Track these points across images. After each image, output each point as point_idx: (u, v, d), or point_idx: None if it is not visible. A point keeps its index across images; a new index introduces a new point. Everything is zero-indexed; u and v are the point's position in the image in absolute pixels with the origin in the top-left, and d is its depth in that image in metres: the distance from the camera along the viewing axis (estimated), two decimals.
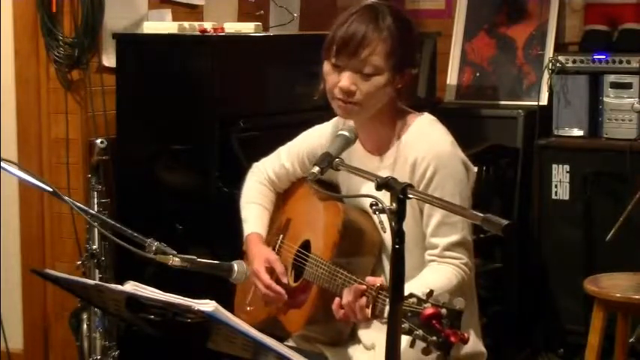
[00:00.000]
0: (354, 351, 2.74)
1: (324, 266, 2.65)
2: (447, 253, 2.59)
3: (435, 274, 2.56)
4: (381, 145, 2.71)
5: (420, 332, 2.05)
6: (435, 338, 2.03)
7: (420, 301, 2.08)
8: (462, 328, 2.05)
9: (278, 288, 2.75)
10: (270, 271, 2.77)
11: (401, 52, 2.61)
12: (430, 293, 2.09)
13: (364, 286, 2.40)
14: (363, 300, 2.39)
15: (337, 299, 2.47)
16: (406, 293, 2.10)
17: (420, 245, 2.63)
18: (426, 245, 2.62)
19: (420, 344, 2.06)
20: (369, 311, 2.36)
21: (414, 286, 2.25)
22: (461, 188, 2.60)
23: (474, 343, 2.70)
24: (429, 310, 2.04)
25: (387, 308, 2.25)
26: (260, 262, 2.78)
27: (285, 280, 2.77)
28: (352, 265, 2.65)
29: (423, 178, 2.59)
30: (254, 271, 2.77)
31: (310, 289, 2.72)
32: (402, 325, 2.06)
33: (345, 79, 2.61)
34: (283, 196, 3.01)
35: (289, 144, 2.97)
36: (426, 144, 2.62)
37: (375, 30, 2.59)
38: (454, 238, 2.59)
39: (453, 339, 2.02)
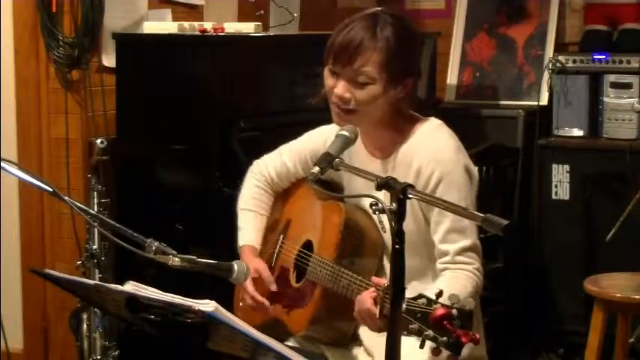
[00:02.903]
0: (356, 352, 2.74)
1: (327, 267, 2.65)
2: (459, 259, 2.57)
3: (450, 282, 2.52)
4: (385, 148, 2.71)
5: (430, 333, 2.05)
6: (445, 339, 2.03)
7: (429, 301, 2.08)
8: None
9: (260, 299, 2.78)
10: (259, 281, 2.80)
11: (399, 62, 2.60)
12: (440, 294, 2.09)
13: (374, 292, 2.39)
14: (370, 302, 2.39)
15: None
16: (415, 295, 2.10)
17: (421, 252, 2.62)
18: (436, 254, 2.61)
19: (430, 345, 2.06)
20: (376, 310, 2.36)
21: (429, 293, 2.24)
22: (465, 195, 2.59)
23: (476, 347, 2.69)
24: (439, 310, 2.04)
25: None
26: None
27: (272, 288, 2.80)
28: (355, 265, 2.65)
29: (428, 185, 2.59)
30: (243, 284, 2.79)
31: (313, 290, 2.72)
32: (411, 326, 2.06)
33: (340, 87, 2.61)
34: (284, 195, 3.00)
35: (292, 143, 2.96)
36: (430, 150, 2.62)
37: (370, 39, 2.58)
38: (464, 243, 2.57)
39: (464, 339, 2.01)
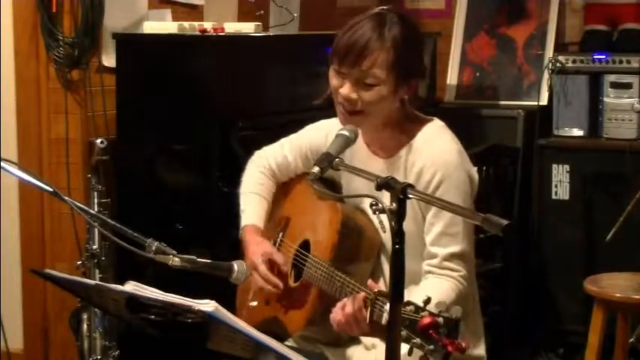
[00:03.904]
0: (355, 351, 2.74)
1: (322, 268, 2.64)
2: (446, 264, 2.57)
3: (434, 287, 2.52)
4: (388, 148, 2.70)
5: (417, 341, 2.05)
6: (432, 347, 2.03)
7: (417, 309, 2.08)
8: (464, 332, 2.05)
9: (275, 280, 2.74)
10: (268, 263, 2.77)
11: (405, 62, 2.58)
12: (427, 301, 2.09)
13: (363, 294, 2.39)
14: (361, 303, 2.38)
15: (333, 314, 2.45)
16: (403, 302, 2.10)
17: (421, 254, 2.61)
18: (425, 255, 2.60)
19: (418, 352, 2.06)
20: (367, 315, 2.35)
21: (413, 298, 2.25)
22: (464, 199, 2.58)
23: (476, 347, 2.70)
24: (426, 319, 2.04)
25: (385, 315, 2.25)
26: (256, 253, 2.77)
27: (285, 269, 2.77)
28: (351, 266, 2.65)
29: (429, 186, 2.58)
30: (251, 262, 2.76)
31: (310, 290, 2.72)
32: (400, 333, 2.06)
33: (346, 88, 2.60)
34: (283, 192, 3.00)
35: (293, 136, 2.95)
36: (432, 152, 2.61)
37: (377, 40, 2.56)
38: (454, 249, 2.57)
39: (450, 348, 2.01)
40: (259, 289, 2.85)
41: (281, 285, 2.75)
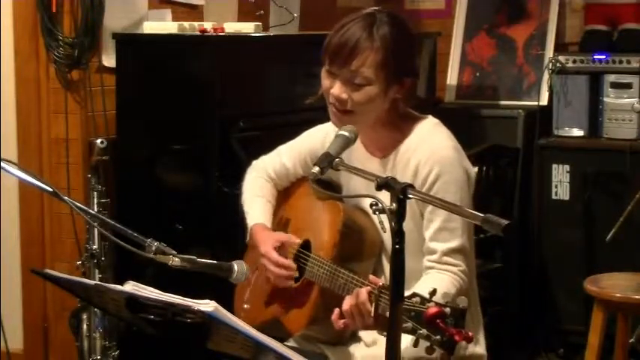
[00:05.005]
0: (355, 350, 2.74)
1: (325, 266, 2.65)
2: (446, 259, 2.57)
3: (435, 282, 2.50)
4: (383, 147, 2.70)
5: (423, 331, 2.05)
6: (438, 337, 2.03)
7: (423, 300, 2.08)
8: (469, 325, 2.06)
9: (287, 262, 2.74)
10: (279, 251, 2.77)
11: (396, 62, 2.59)
12: (433, 292, 2.09)
13: (369, 287, 2.39)
14: (366, 296, 2.39)
15: (337, 310, 2.45)
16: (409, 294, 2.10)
17: (420, 252, 2.62)
18: (425, 250, 2.61)
19: (424, 343, 2.06)
20: (371, 309, 2.36)
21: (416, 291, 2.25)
22: (462, 194, 2.59)
23: (476, 346, 2.70)
24: (432, 309, 2.04)
25: None
26: (268, 244, 2.77)
27: (296, 240, 2.77)
28: (353, 265, 2.65)
29: (425, 183, 2.58)
30: (263, 253, 2.76)
31: (311, 289, 2.72)
32: (405, 325, 2.06)
33: (337, 88, 2.61)
34: (283, 195, 3.00)
35: (290, 143, 2.96)
36: (428, 149, 2.62)
37: (367, 40, 2.57)
38: (453, 244, 2.58)
39: (457, 338, 2.02)
40: (257, 291, 2.85)
41: (294, 267, 2.74)
